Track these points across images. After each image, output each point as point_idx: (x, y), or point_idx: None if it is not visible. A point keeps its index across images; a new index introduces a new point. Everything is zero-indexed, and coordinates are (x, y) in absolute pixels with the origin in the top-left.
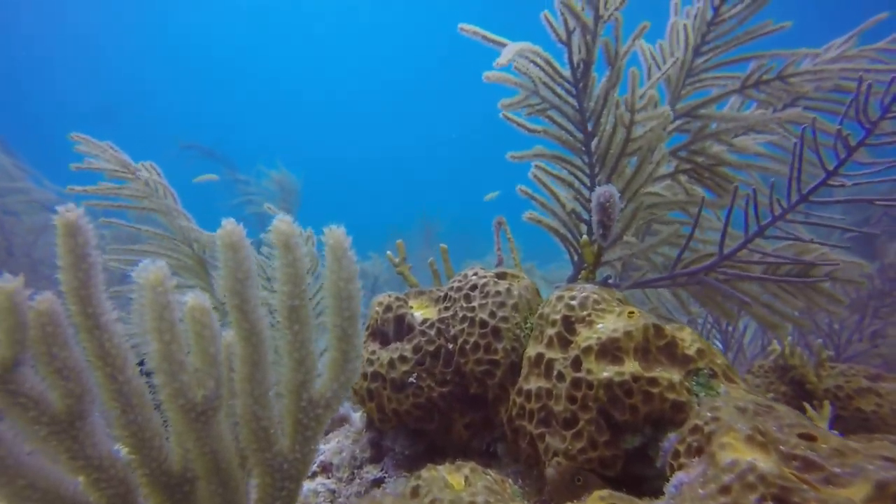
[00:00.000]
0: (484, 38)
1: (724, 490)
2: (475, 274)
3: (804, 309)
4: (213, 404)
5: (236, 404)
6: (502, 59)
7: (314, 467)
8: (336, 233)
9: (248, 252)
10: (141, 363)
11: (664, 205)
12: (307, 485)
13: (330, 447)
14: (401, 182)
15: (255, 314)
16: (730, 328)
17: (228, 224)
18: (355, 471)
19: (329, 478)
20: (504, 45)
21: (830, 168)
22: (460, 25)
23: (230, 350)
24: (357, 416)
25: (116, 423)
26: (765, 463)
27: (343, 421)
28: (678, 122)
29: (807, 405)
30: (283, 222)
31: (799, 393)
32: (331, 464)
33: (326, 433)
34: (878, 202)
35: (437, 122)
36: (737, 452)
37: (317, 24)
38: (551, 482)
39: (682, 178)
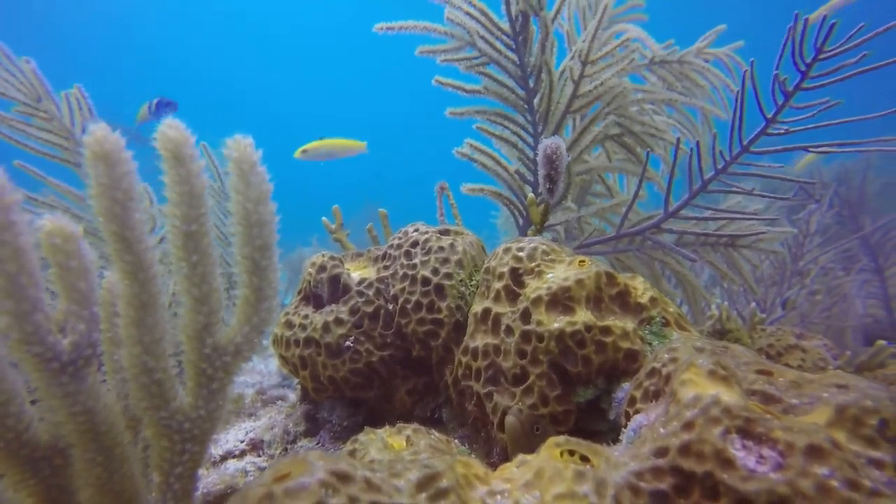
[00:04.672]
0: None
1: (688, 426)
2: (416, 230)
3: (725, 277)
4: (84, 353)
5: (121, 355)
6: None
7: (242, 445)
8: (242, 144)
9: (128, 167)
10: None
11: (600, 168)
12: (235, 464)
13: (261, 423)
14: (341, 166)
15: (141, 244)
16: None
17: (98, 129)
18: (288, 446)
19: (259, 455)
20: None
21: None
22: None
23: (113, 290)
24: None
25: None
26: (728, 396)
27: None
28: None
29: None
30: (171, 127)
31: None
32: (261, 441)
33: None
34: (812, 149)
35: (373, 100)
36: (698, 388)
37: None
38: (511, 431)
39: (609, 146)
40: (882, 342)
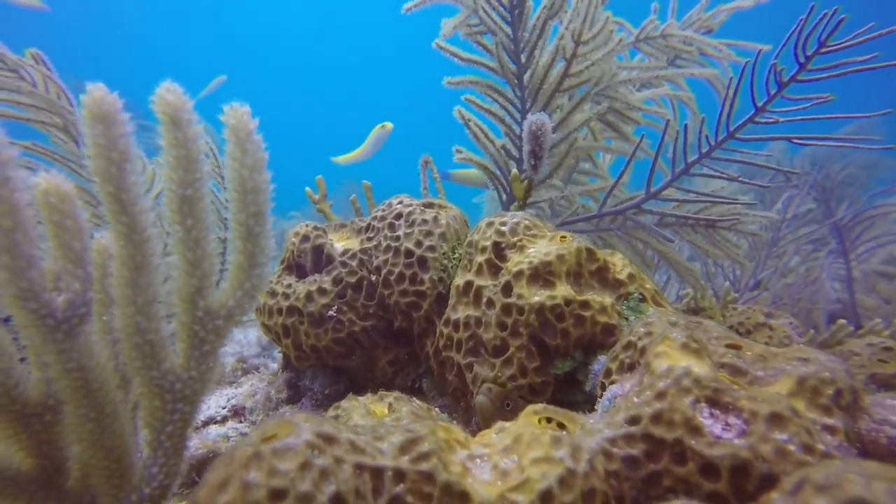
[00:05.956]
0: None
1: (660, 395)
2: (400, 202)
3: (710, 254)
4: (78, 311)
5: (112, 317)
6: None
7: (224, 411)
8: (239, 112)
9: (125, 128)
10: None
11: (588, 148)
12: (217, 429)
13: (243, 390)
14: (322, 141)
15: (136, 206)
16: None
17: (96, 89)
18: (270, 412)
19: (241, 421)
20: None
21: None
22: None
23: (106, 252)
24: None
25: None
26: (699, 367)
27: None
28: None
29: None
30: (168, 91)
31: None
32: (243, 407)
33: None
34: (796, 140)
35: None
36: (671, 360)
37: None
38: (481, 409)
39: (595, 125)
40: (842, 321)
